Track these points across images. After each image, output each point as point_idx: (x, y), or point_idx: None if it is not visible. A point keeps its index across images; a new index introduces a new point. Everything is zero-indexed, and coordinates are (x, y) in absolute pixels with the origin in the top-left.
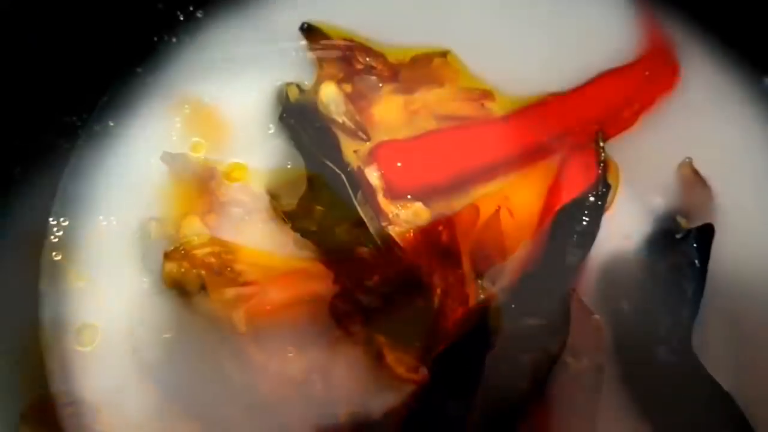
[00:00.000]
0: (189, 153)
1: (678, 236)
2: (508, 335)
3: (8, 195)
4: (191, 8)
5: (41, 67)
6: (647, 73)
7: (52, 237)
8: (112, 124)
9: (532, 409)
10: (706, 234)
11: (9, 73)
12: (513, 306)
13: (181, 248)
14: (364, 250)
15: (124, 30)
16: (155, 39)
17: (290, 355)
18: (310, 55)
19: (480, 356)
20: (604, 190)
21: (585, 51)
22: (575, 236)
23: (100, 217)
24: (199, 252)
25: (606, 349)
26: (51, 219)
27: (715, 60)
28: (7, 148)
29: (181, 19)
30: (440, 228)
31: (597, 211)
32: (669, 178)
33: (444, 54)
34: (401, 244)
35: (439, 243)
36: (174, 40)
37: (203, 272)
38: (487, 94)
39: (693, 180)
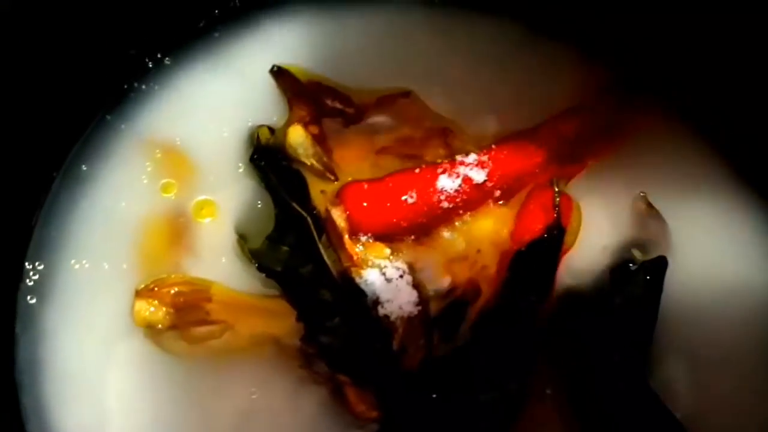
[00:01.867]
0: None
1: (632, 268)
2: (467, 376)
3: None
4: (159, 55)
5: (15, 112)
6: (605, 113)
7: (27, 280)
8: (84, 168)
9: None
10: (659, 266)
11: None
12: (472, 348)
13: (152, 286)
14: (326, 292)
15: (94, 78)
16: (125, 86)
17: (254, 396)
18: (280, 96)
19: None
20: (558, 232)
21: (545, 91)
22: (531, 278)
23: (73, 261)
24: (169, 290)
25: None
26: (26, 263)
27: (671, 99)
28: None
29: (150, 66)
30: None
31: (552, 254)
32: (626, 213)
33: (407, 94)
34: (364, 288)
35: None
36: (144, 87)
37: (173, 310)
38: (449, 132)
39: (647, 213)
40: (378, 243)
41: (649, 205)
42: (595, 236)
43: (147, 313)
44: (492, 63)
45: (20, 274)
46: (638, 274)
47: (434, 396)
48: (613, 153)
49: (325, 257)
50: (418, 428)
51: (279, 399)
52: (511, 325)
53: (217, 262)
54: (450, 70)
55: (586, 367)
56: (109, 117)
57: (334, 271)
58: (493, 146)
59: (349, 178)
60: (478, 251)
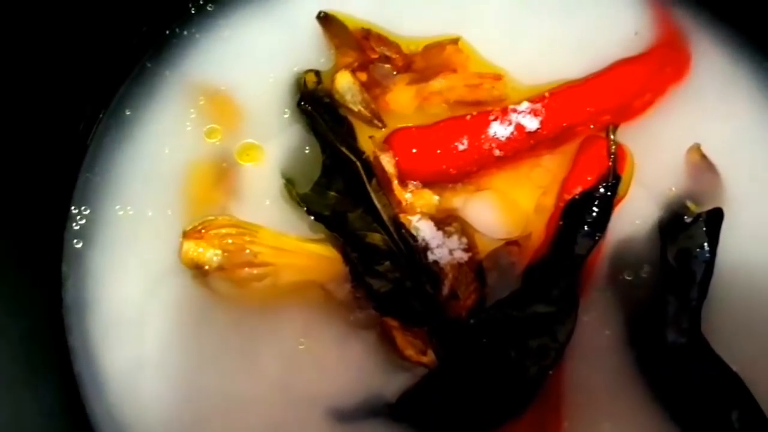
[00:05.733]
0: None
1: (687, 220)
2: (518, 322)
3: (32, 184)
4: (201, 1)
5: (61, 57)
6: (659, 63)
7: (74, 225)
8: (128, 113)
9: (542, 396)
10: (714, 218)
11: (28, 61)
12: (523, 293)
13: (200, 227)
14: (375, 237)
15: (138, 23)
16: (167, 32)
17: (302, 347)
18: (327, 42)
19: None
20: (614, 182)
21: (597, 41)
22: (585, 227)
23: (117, 206)
24: (217, 232)
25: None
26: (72, 207)
27: (725, 47)
28: (30, 137)
29: (193, 12)
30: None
31: (607, 203)
32: (679, 164)
33: (455, 41)
34: (412, 231)
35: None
36: (185, 33)
37: (220, 252)
38: (497, 77)
39: (701, 165)
40: (426, 189)
41: (703, 156)
42: (648, 186)
43: (195, 254)
44: (547, 10)
45: (66, 218)
46: (694, 226)
47: (484, 341)
48: (666, 103)
49: (376, 201)
50: (469, 372)
51: (326, 344)
52: (562, 274)
53: (262, 206)
54: (504, 17)
55: (641, 317)
56: (149, 65)
57: (384, 216)
58: (547, 94)
59: (398, 125)
60: (530, 199)
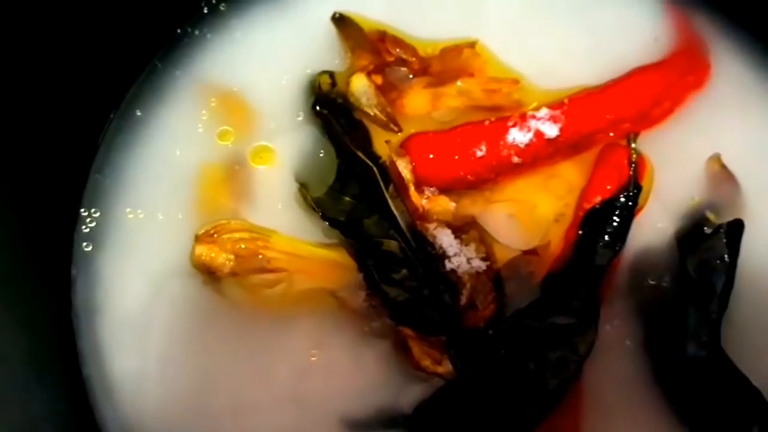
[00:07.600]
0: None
1: (707, 231)
2: (537, 333)
3: (41, 186)
4: (214, 1)
5: (71, 57)
6: (679, 70)
7: (83, 227)
8: (139, 113)
9: (560, 406)
10: (735, 229)
11: (37, 61)
12: (542, 303)
13: (213, 231)
14: (392, 244)
15: (149, 22)
16: (179, 31)
17: (313, 358)
18: (341, 44)
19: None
20: (635, 191)
21: (615, 47)
22: (605, 237)
23: (128, 209)
24: (230, 236)
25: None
26: (82, 210)
27: (746, 55)
28: (39, 137)
29: (205, 12)
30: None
31: (627, 213)
32: (698, 174)
33: (472, 44)
34: (432, 240)
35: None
36: (197, 32)
37: (233, 257)
38: (515, 82)
39: (721, 175)
40: (442, 196)
41: (723, 166)
42: (667, 197)
43: (207, 259)
44: (565, 15)
45: (76, 220)
46: (714, 238)
47: (503, 352)
48: (685, 112)
49: (393, 208)
50: (487, 383)
51: (339, 353)
52: (582, 284)
53: (274, 210)
54: (521, 21)
55: (661, 330)
56: (160, 65)
57: (402, 223)
58: (566, 101)
59: (413, 130)
60: (548, 208)
